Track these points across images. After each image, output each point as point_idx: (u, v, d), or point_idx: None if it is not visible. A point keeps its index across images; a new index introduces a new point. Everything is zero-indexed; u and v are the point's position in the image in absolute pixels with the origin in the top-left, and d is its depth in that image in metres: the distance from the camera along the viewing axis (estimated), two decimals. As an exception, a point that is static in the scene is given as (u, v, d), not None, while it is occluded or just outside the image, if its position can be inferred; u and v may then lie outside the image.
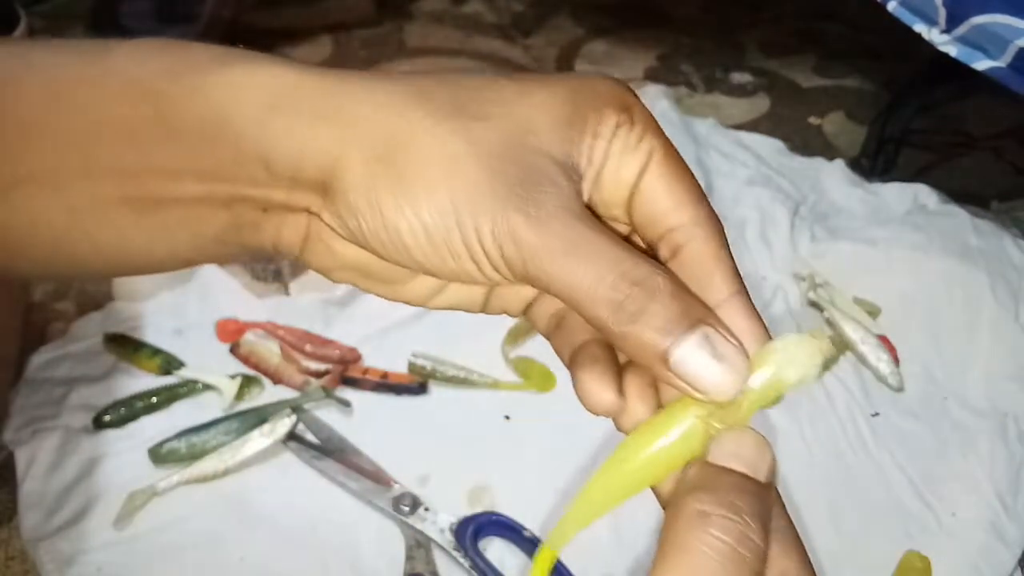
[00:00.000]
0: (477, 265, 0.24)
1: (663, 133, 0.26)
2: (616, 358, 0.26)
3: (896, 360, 0.73)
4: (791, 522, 0.23)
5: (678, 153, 0.27)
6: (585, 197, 0.25)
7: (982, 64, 0.68)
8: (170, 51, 0.26)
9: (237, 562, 0.58)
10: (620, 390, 0.25)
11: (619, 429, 0.26)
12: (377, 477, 0.62)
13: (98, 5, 1.14)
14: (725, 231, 0.26)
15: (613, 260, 0.23)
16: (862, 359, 0.73)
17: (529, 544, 0.58)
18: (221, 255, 0.28)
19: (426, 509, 0.60)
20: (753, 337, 0.24)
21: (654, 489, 0.25)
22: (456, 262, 0.24)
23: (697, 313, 0.22)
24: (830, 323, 0.76)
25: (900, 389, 0.71)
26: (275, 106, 0.24)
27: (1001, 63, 0.67)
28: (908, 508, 0.63)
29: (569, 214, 0.23)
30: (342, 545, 0.59)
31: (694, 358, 0.22)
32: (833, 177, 0.93)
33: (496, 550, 0.59)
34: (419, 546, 0.58)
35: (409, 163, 0.24)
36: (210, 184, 0.25)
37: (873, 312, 0.77)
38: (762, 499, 0.22)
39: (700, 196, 0.26)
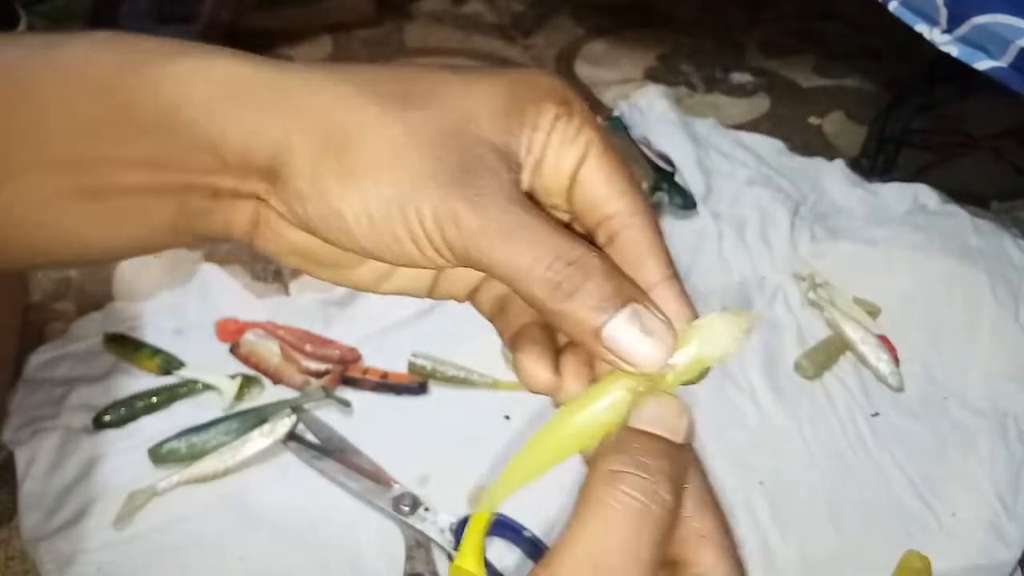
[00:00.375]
0: (419, 248, 0.25)
1: (600, 127, 0.27)
2: (554, 340, 0.28)
3: (896, 360, 0.73)
4: (710, 486, 0.26)
5: (613, 146, 0.28)
6: (524, 185, 0.26)
7: (983, 64, 0.68)
8: (122, 44, 0.27)
9: (237, 562, 0.58)
10: (557, 369, 0.27)
11: (555, 406, 0.28)
12: (377, 477, 0.62)
13: (98, 5, 1.14)
14: (656, 218, 0.28)
15: (550, 242, 0.24)
16: (862, 359, 0.73)
17: (529, 544, 0.58)
18: (175, 242, 0.29)
19: (426, 509, 0.60)
20: (682, 317, 0.26)
21: (585, 455, 0.27)
22: (399, 246, 0.25)
23: (628, 292, 0.24)
24: (830, 323, 0.76)
25: (900, 389, 0.71)
26: (225, 96, 0.25)
27: (1002, 63, 0.67)
28: (908, 508, 0.63)
29: (508, 199, 0.24)
30: (342, 545, 0.59)
31: (624, 333, 0.23)
32: (833, 177, 0.93)
33: (496, 550, 0.59)
34: (419, 546, 0.58)
35: (354, 151, 0.24)
36: (162, 173, 0.26)
37: (873, 312, 0.77)
38: (675, 459, 0.24)
39: (635, 187, 0.27)
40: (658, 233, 0.27)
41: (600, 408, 0.25)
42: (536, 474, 0.25)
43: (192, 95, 0.25)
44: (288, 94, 0.25)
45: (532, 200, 0.26)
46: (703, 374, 0.25)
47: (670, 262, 0.26)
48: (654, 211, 0.29)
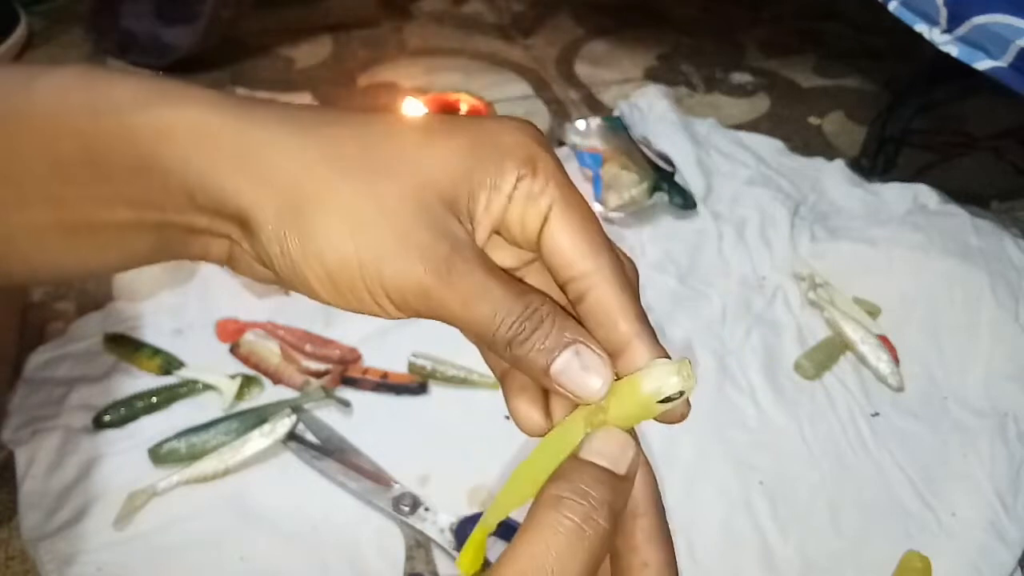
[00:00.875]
0: (382, 308, 0.27)
1: (567, 183, 0.28)
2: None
3: (896, 360, 0.73)
4: (663, 520, 0.28)
5: (582, 201, 0.29)
6: (480, 243, 0.28)
7: (983, 64, 0.68)
8: (92, 86, 0.27)
9: (237, 562, 0.58)
10: (547, 411, 0.30)
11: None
12: (377, 477, 0.62)
13: (98, 5, 1.14)
14: (632, 273, 0.29)
15: (504, 303, 0.26)
16: (862, 359, 0.73)
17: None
18: (155, 262, 0.30)
19: (426, 509, 0.60)
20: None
21: None
22: (361, 305, 0.27)
23: (570, 335, 0.27)
24: (830, 323, 0.76)
25: (900, 389, 0.71)
26: (197, 150, 0.27)
27: (1002, 63, 0.67)
28: (908, 508, 0.63)
29: (466, 263, 0.26)
30: (342, 545, 0.59)
31: (568, 369, 0.26)
32: (833, 177, 0.93)
33: (496, 550, 0.58)
34: (419, 546, 0.58)
35: (316, 217, 0.26)
36: (139, 211, 0.27)
37: (873, 312, 0.77)
38: (615, 488, 0.26)
39: (601, 244, 0.28)
40: (625, 290, 0.28)
41: (561, 442, 0.28)
42: (521, 501, 0.28)
43: (166, 147, 0.26)
44: (256, 154, 0.27)
45: (487, 253, 0.28)
46: (647, 412, 0.27)
47: (638, 316, 0.28)
48: (622, 265, 0.29)
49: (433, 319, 0.27)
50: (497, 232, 0.29)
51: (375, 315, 0.27)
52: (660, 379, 0.27)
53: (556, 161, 0.29)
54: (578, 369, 0.26)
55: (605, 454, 0.27)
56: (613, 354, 0.27)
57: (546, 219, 0.28)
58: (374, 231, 0.26)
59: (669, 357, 0.28)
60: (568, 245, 0.28)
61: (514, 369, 0.29)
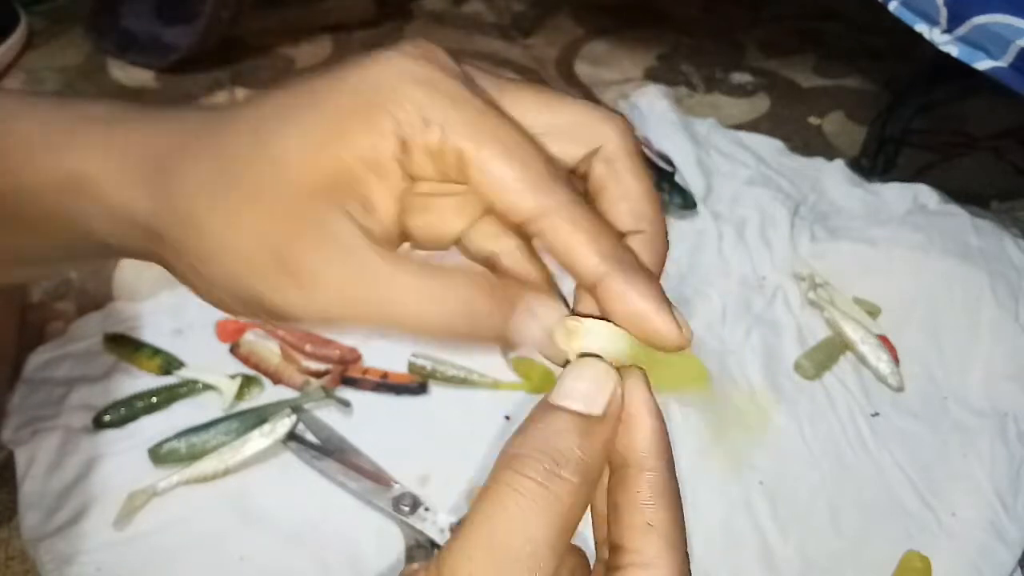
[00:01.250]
0: (287, 325, 0.26)
1: (476, 115, 0.23)
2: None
3: (896, 360, 0.73)
4: (672, 476, 0.24)
5: (503, 130, 0.24)
6: (388, 225, 0.25)
7: (983, 64, 0.68)
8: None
9: (237, 562, 0.57)
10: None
11: None
12: (377, 477, 0.62)
13: (98, 5, 1.14)
14: (585, 209, 0.24)
15: (422, 295, 0.23)
16: (862, 359, 0.73)
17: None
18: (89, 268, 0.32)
19: (426, 509, 0.60)
20: (632, 314, 0.24)
21: None
22: (270, 321, 0.26)
23: (513, 297, 0.24)
24: (830, 323, 0.76)
25: (900, 389, 0.71)
26: (90, 200, 0.26)
27: (1002, 63, 0.67)
28: (908, 508, 0.63)
29: (359, 266, 0.23)
30: (342, 545, 0.59)
31: (526, 330, 0.24)
32: (833, 177, 0.93)
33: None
34: (419, 546, 0.58)
35: (201, 253, 0.25)
36: (61, 253, 0.29)
37: (873, 312, 0.77)
38: (587, 433, 0.22)
39: (537, 175, 0.23)
40: (579, 228, 0.23)
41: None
42: None
43: (68, 202, 0.26)
44: (130, 204, 0.26)
45: (416, 228, 0.26)
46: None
47: (604, 251, 0.23)
48: (576, 195, 0.24)
49: (346, 330, 0.25)
50: (432, 195, 0.25)
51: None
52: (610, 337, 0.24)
53: (452, 91, 0.23)
54: (536, 328, 0.24)
55: (575, 393, 0.23)
56: (590, 294, 0.24)
57: (464, 167, 0.23)
58: (237, 264, 0.24)
59: (639, 291, 0.24)
60: (499, 189, 0.23)
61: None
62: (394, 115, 0.23)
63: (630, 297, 0.23)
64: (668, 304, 0.24)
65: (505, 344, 0.24)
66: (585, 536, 0.25)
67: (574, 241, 0.23)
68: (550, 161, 0.24)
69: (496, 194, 0.23)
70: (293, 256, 0.23)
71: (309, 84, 0.24)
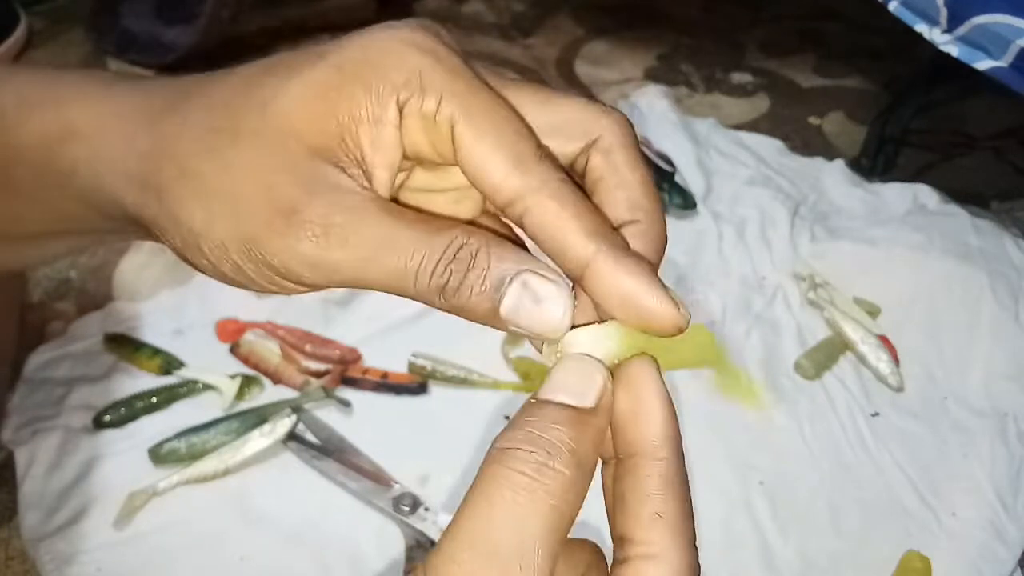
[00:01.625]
0: (292, 287, 0.24)
1: (470, 88, 0.23)
2: None
3: (896, 360, 0.73)
4: (682, 464, 0.23)
5: (495, 106, 0.23)
6: (383, 186, 0.24)
7: (983, 64, 0.68)
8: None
9: (237, 562, 0.57)
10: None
11: None
12: (377, 477, 0.62)
13: (98, 5, 1.14)
14: (573, 189, 0.23)
15: (416, 247, 0.22)
16: (862, 359, 0.73)
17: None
18: (77, 254, 0.32)
19: (426, 509, 0.60)
20: (623, 296, 0.23)
21: None
22: (268, 286, 0.24)
23: (510, 265, 0.22)
24: (830, 323, 0.76)
25: (900, 389, 0.71)
26: (86, 161, 0.26)
27: (1002, 63, 0.67)
28: (908, 508, 0.63)
29: (348, 215, 0.22)
30: (342, 545, 0.59)
31: (520, 306, 0.22)
32: (833, 177, 0.93)
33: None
34: (419, 546, 0.58)
35: (184, 211, 0.24)
36: (50, 225, 0.28)
37: (873, 312, 0.77)
38: (579, 425, 0.22)
39: (527, 154, 0.23)
40: (568, 204, 0.23)
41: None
42: None
43: (59, 162, 0.26)
44: (124, 157, 0.25)
45: (411, 194, 0.25)
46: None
47: (591, 230, 0.23)
48: (561, 174, 0.23)
49: (349, 287, 0.24)
50: (423, 164, 0.25)
51: (297, 293, 0.25)
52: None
53: (452, 64, 0.24)
54: (531, 303, 0.22)
55: (565, 387, 0.22)
56: (578, 281, 0.23)
57: (454, 140, 0.23)
58: (238, 212, 0.23)
59: (632, 268, 0.23)
60: (486, 166, 0.23)
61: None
62: (394, 78, 0.23)
63: (620, 277, 0.22)
64: (662, 284, 0.23)
65: (494, 322, 0.23)
66: (602, 534, 0.24)
67: (560, 220, 0.23)
68: (540, 144, 0.24)
69: (482, 171, 0.23)
70: (284, 201, 0.22)
71: (313, 48, 0.24)
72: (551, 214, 0.23)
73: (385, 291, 0.23)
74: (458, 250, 0.22)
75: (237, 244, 0.23)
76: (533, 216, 0.23)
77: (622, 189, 0.25)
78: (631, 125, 0.26)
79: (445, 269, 0.22)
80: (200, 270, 0.25)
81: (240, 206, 0.23)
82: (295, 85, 0.23)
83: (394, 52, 0.23)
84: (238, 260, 0.24)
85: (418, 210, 0.24)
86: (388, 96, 0.23)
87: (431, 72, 0.23)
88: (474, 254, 0.22)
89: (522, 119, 0.24)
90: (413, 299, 0.23)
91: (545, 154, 0.23)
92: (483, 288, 0.22)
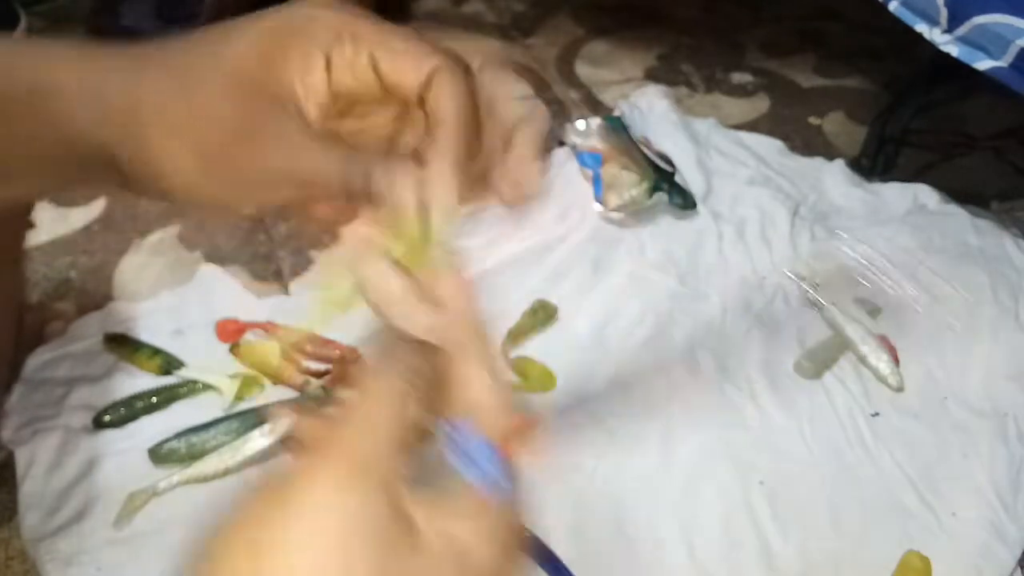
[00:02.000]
0: (235, 200, 0.31)
1: (383, 31, 0.31)
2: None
3: (896, 360, 0.73)
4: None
5: (399, 32, 0.31)
6: (314, 117, 0.31)
7: (984, 64, 0.68)
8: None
9: (237, 562, 0.57)
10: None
11: None
12: (377, 477, 0.62)
13: (98, 5, 1.14)
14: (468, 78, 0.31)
15: (331, 155, 0.30)
16: (862, 359, 0.73)
17: (528, 543, 0.58)
18: (60, 191, 0.36)
19: (426, 509, 0.60)
20: (444, 183, 0.30)
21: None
22: (216, 196, 0.31)
23: (381, 166, 0.30)
24: (830, 323, 0.76)
25: (900, 389, 0.71)
26: (73, 107, 0.31)
27: (1003, 63, 0.67)
28: (908, 508, 0.63)
29: (293, 135, 0.30)
30: (342, 545, 0.59)
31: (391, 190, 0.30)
32: (833, 177, 0.93)
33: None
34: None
35: (154, 142, 0.30)
36: (36, 150, 0.32)
37: (873, 312, 0.77)
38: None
39: (422, 53, 0.30)
40: (449, 102, 0.30)
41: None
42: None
43: (48, 105, 0.31)
44: (104, 102, 0.30)
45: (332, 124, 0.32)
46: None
47: (450, 144, 0.30)
48: (461, 80, 0.31)
49: (282, 192, 0.30)
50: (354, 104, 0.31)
51: (243, 205, 0.31)
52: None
53: (360, 12, 0.31)
54: (397, 186, 0.29)
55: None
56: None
57: (376, 67, 0.31)
58: (198, 137, 0.30)
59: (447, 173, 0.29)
60: (398, 72, 0.30)
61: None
62: (320, 37, 0.30)
63: (443, 175, 0.30)
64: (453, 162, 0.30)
65: (379, 199, 0.30)
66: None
67: (440, 128, 0.30)
68: (437, 47, 0.31)
69: (400, 74, 0.30)
70: (247, 127, 0.30)
71: (251, 16, 0.31)
72: (436, 113, 0.30)
73: (306, 190, 0.30)
74: (361, 164, 0.30)
75: (198, 162, 0.30)
76: (433, 97, 0.30)
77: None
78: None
79: (353, 174, 0.30)
80: (165, 194, 0.31)
81: (200, 132, 0.29)
82: (240, 39, 0.30)
83: (317, 17, 0.31)
84: (198, 178, 0.30)
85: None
86: (316, 51, 0.30)
87: (342, 24, 0.30)
88: (364, 161, 0.30)
89: (416, 33, 0.31)
90: (322, 195, 0.30)
91: (439, 50, 0.31)
92: (367, 180, 0.30)
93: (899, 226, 0.84)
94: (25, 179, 0.33)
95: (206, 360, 0.69)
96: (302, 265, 0.81)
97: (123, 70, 0.31)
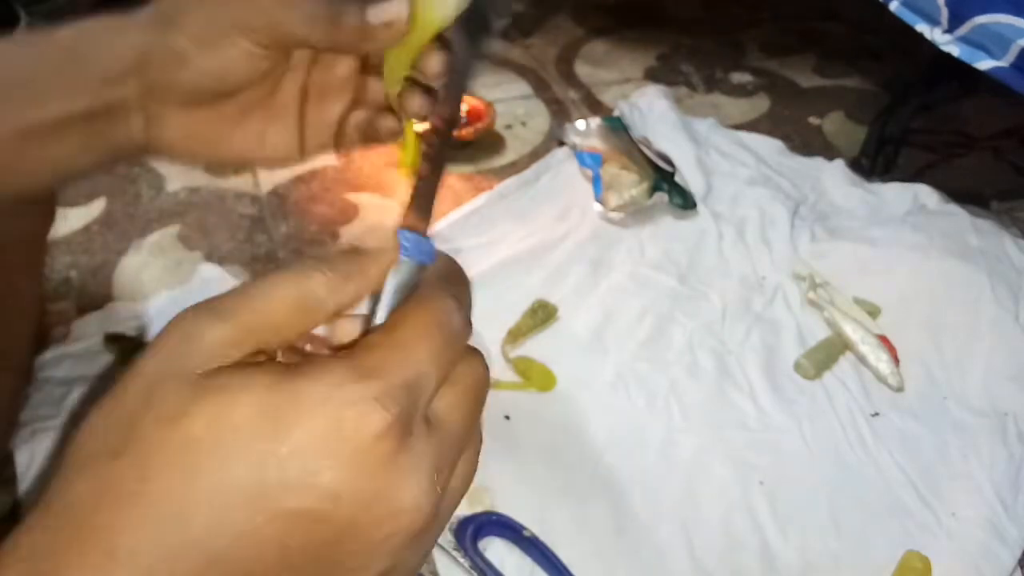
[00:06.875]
0: (263, 40, 0.36)
1: (305, 14, 0.36)
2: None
3: (896, 360, 0.73)
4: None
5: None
6: None
7: (984, 64, 0.68)
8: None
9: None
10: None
11: None
12: (377, 477, 0.62)
13: (98, 5, 1.14)
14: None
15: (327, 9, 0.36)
16: (862, 359, 0.73)
17: (529, 544, 0.58)
18: (90, 163, 0.39)
19: (426, 509, 0.60)
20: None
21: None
22: (242, 44, 0.36)
23: None
24: (830, 323, 0.76)
25: (900, 389, 0.71)
26: (103, 32, 0.39)
27: (1003, 63, 0.67)
28: (908, 508, 0.63)
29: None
30: (342, 545, 0.59)
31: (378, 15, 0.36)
32: (833, 177, 0.93)
33: (496, 550, 0.58)
34: (419, 546, 0.58)
35: (188, 46, 0.36)
36: (67, 102, 0.37)
37: (873, 312, 0.77)
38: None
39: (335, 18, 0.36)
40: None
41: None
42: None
43: (80, 41, 0.38)
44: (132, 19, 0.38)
45: None
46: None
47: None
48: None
49: (294, 28, 0.36)
50: None
51: (262, 47, 0.36)
52: None
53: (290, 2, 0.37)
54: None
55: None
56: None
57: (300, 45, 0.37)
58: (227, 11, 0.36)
59: None
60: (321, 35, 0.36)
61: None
62: (256, 22, 0.36)
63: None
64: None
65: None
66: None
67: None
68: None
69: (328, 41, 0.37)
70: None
71: None
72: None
73: (306, 36, 0.36)
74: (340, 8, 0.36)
75: (231, 27, 0.36)
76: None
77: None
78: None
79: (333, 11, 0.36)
80: (192, 81, 0.37)
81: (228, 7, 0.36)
82: (200, 24, 0.36)
83: (255, 5, 0.37)
84: (231, 36, 0.36)
85: None
86: (261, 30, 0.36)
87: (272, 8, 0.36)
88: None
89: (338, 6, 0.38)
90: (321, 43, 0.37)
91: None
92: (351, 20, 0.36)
93: (899, 226, 0.84)
94: (57, 101, 0.37)
95: (206, 360, 0.69)
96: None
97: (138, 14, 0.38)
